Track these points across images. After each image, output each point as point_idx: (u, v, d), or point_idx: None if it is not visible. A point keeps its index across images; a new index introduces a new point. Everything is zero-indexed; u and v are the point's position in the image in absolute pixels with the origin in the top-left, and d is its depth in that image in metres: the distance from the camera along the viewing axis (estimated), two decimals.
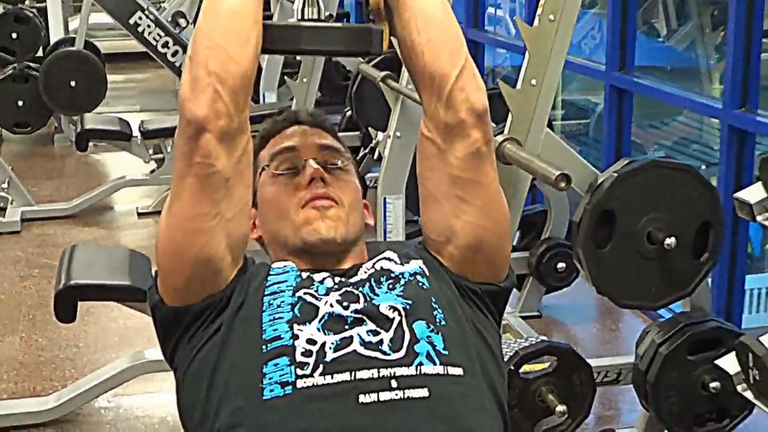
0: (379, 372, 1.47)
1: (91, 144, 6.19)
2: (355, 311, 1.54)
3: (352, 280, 1.60)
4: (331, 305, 1.54)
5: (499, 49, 6.72)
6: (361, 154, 5.48)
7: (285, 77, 6.20)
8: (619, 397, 3.66)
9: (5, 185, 5.83)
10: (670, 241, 2.90)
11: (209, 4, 1.51)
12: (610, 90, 4.51)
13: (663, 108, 6.13)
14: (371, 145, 5.31)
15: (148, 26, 6.22)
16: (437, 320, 1.56)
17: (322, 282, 1.58)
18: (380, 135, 4.15)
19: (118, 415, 3.54)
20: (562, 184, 2.78)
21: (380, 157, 4.04)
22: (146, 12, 6.25)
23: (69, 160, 7.27)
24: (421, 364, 1.49)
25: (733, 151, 3.66)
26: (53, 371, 3.90)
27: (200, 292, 1.55)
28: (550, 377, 3.05)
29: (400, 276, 1.61)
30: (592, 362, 3.16)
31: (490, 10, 7.39)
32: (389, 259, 1.64)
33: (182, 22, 6.57)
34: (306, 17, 1.59)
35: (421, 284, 1.60)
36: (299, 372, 1.47)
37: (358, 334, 1.51)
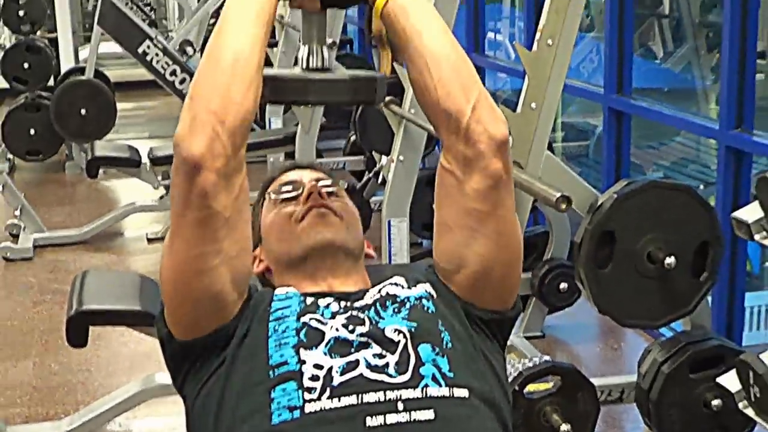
0: (385, 395, 1.48)
1: (101, 171, 6.23)
2: (361, 335, 1.55)
3: (357, 305, 1.62)
4: (337, 329, 1.55)
5: (500, 73, 6.76)
6: (365, 178, 5.52)
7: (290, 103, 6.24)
8: (622, 415, 3.66)
9: (18, 212, 5.86)
10: (670, 260, 2.93)
11: (213, 47, 1.51)
12: (609, 112, 4.54)
13: (661, 129, 6.16)
14: (375, 169, 5.35)
15: (157, 55, 6.29)
16: (443, 343, 1.57)
17: (327, 306, 1.60)
18: (384, 159, 4.19)
19: None
20: (563, 206, 2.81)
21: (384, 181, 4.08)
22: (154, 41, 6.32)
23: (80, 187, 7.31)
24: (426, 386, 1.50)
25: (731, 170, 3.67)
26: (65, 395, 3.94)
27: (207, 326, 1.56)
28: (554, 397, 3.06)
29: (406, 300, 1.62)
30: (596, 381, 3.17)
31: (490, 35, 7.45)
32: (396, 284, 1.66)
33: (189, 50, 6.64)
34: (311, 66, 1.60)
35: (426, 308, 1.62)
36: (307, 396, 1.48)
37: (365, 358, 1.52)
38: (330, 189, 1.77)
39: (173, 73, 6.36)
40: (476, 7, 6.19)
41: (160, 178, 6.17)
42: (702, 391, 3.00)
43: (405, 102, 3.89)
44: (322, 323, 1.56)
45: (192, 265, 1.51)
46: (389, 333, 1.56)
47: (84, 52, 8.62)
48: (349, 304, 1.62)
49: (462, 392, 1.53)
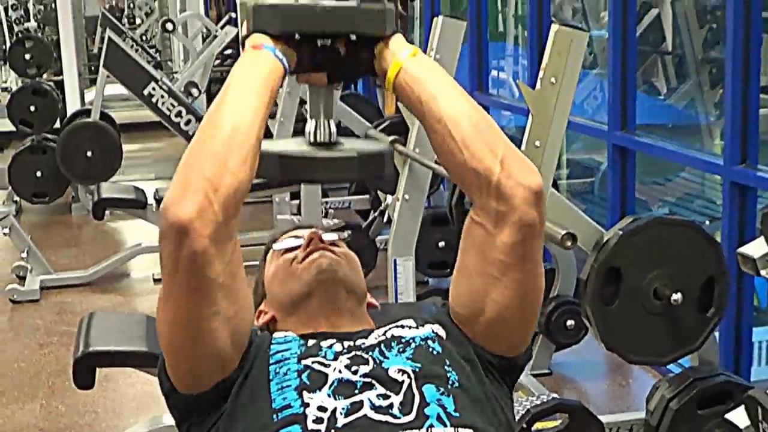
0: None
1: (107, 212, 6.25)
2: (364, 375, 1.55)
3: (361, 344, 1.63)
4: (340, 371, 1.55)
5: (504, 111, 6.79)
6: (370, 217, 5.54)
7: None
8: None
9: (24, 254, 5.88)
10: (677, 296, 2.93)
11: (214, 114, 1.49)
12: (613, 149, 4.55)
13: (666, 165, 6.17)
14: (381, 208, 5.37)
15: (162, 96, 6.33)
16: (450, 382, 1.57)
17: (330, 347, 1.61)
18: (389, 198, 4.21)
19: None
20: (568, 243, 2.83)
21: (390, 220, 4.09)
22: (160, 83, 6.36)
23: (86, 229, 7.33)
24: (431, 426, 1.50)
25: (736, 206, 3.67)
26: None
27: (209, 381, 1.56)
28: None
29: (411, 340, 1.63)
30: (604, 419, 3.17)
31: (494, 73, 7.49)
32: (402, 327, 1.67)
33: (195, 91, 6.68)
34: (318, 140, 1.60)
35: (432, 348, 1.62)
36: None
37: (369, 399, 1.52)
38: (331, 238, 1.79)
39: (178, 114, 6.40)
40: (479, 46, 6.23)
41: None
42: (710, 428, 2.99)
43: (410, 141, 3.91)
44: (325, 365, 1.57)
45: (188, 329, 1.50)
46: (393, 373, 1.56)
47: (90, 95, 8.68)
48: (352, 343, 1.62)
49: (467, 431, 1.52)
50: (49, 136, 7.21)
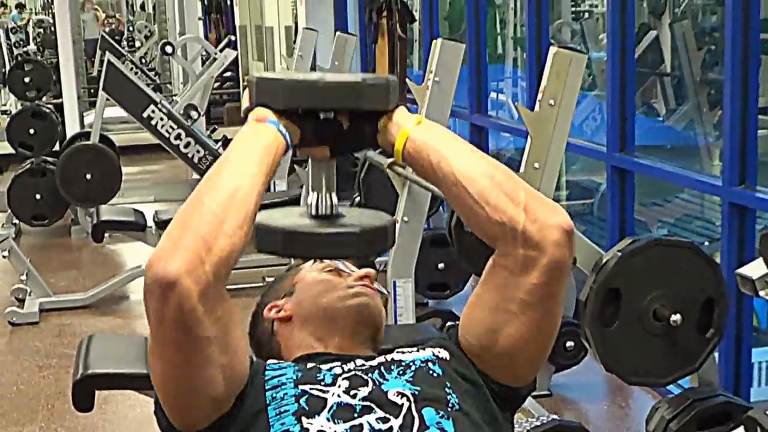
0: None
1: (106, 235, 6.24)
2: (363, 398, 1.55)
3: (361, 365, 1.63)
4: (339, 395, 1.55)
5: (503, 132, 6.81)
6: None
7: (294, 165, 6.28)
8: None
9: (24, 277, 5.87)
10: (676, 317, 2.94)
11: (214, 176, 1.47)
12: (612, 170, 4.56)
13: (665, 186, 6.18)
14: None
15: (161, 119, 6.35)
16: (450, 404, 1.57)
17: (329, 370, 1.61)
18: None
19: None
20: None
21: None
22: (159, 105, 6.39)
23: (85, 251, 7.32)
24: None
25: (734, 227, 3.67)
26: None
27: (207, 420, 1.54)
28: None
29: (411, 363, 1.63)
30: None
31: (493, 95, 7.52)
32: (403, 352, 1.67)
33: (194, 114, 6.70)
34: (319, 213, 1.58)
35: (432, 371, 1.62)
36: None
37: (368, 422, 1.52)
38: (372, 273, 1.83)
39: (178, 137, 6.42)
40: (479, 67, 6.25)
41: None
42: None
43: None
44: (323, 391, 1.56)
45: (179, 381, 1.49)
46: (392, 396, 1.56)
47: (89, 117, 8.69)
48: (353, 365, 1.63)
49: None
50: (49, 158, 7.22)
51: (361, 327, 1.74)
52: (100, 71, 7.51)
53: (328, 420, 1.52)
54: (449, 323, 4.43)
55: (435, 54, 3.80)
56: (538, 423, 3.04)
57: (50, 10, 11.00)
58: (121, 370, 3.36)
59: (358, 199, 6.20)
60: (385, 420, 1.52)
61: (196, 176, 6.91)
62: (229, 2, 14.76)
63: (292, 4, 9.86)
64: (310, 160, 1.62)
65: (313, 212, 1.58)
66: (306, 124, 1.55)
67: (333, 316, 1.74)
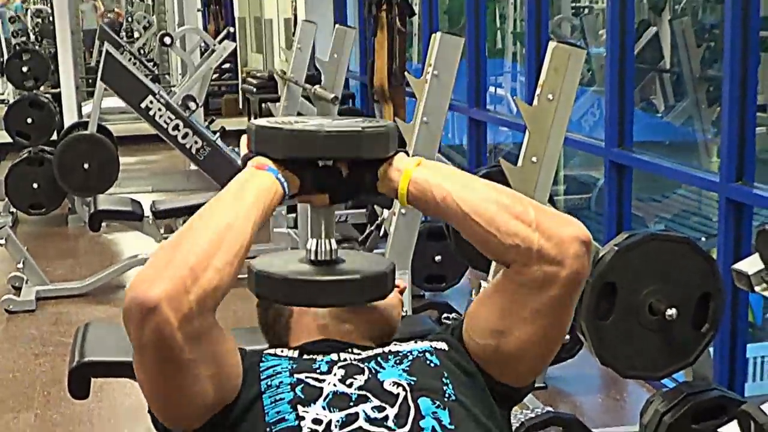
0: None
1: (103, 224, 6.25)
2: (359, 387, 1.56)
3: (358, 353, 1.64)
4: (335, 384, 1.56)
5: (501, 127, 6.82)
6: (367, 231, 5.54)
7: None
8: None
9: (20, 265, 5.88)
10: (671, 312, 2.94)
11: (208, 212, 1.47)
12: (610, 165, 4.57)
13: (663, 181, 6.19)
14: (377, 222, 5.38)
15: (159, 110, 6.35)
16: (445, 395, 1.57)
17: (325, 358, 1.62)
18: (386, 212, 4.21)
19: None
20: None
21: (386, 234, 4.10)
22: (157, 96, 6.38)
23: (82, 240, 7.33)
24: None
25: (731, 223, 3.69)
26: None
27: (200, 421, 1.54)
28: None
29: (409, 353, 1.64)
30: None
31: (492, 89, 7.52)
32: (400, 343, 1.69)
33: (192, 105, 6.69)
34: (319, 259, 1.57)
35: (429, 362, 1.63)
36: None
37: (364, 411, 1.52)
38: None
39: (176, 127, 6.41)
40: (478, 62, 6.26)
41: (162, 231, 6.19)
42: None
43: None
44: (319, 380, 1.57)
45: (166, 396, 1.49)
46: (388, 386, 1.57)
47: (87, 107, 8.69)
48: (350, 355, 1.63)
49: None
50: (46, 148, 7.22)
51: (376, 327, 1.74)
52: (98, 62, 7.51)
53: (323, 408, 1.52)
54: (445, 315, 4.45)
55: (434, 47, 3.80)
56: (533, 415, 3.05)
57: (49, 1, 10.98)
58: (117, 358, 3.35)
59: None
60: (380, 409, 1.53)
61: (193, 167, 6.91)
62: None
63: None
64: (309, 207, 1.61)
65: (313, 257, 1.57)
66: (305, 172, 1.55)
67: (355, 308, 1.73)
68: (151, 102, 6.37)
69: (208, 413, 1.53)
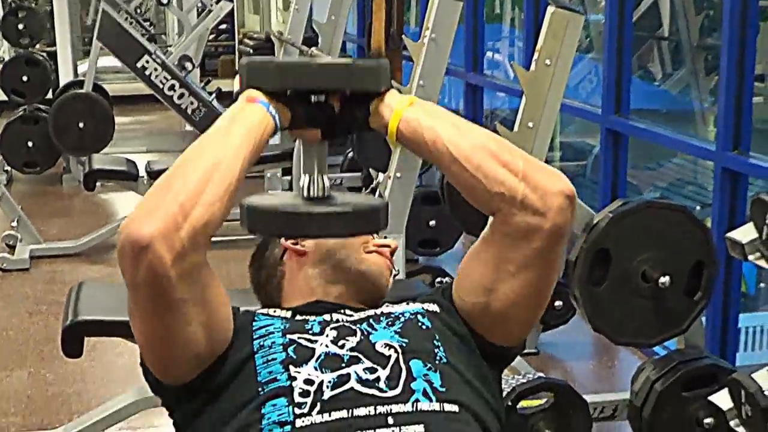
0: (375, 409, 1.50)
1: (98, 184, 6.24)
2: (351, 349, 1.56)
3: (350, 315, 1.65)
4: (327, 345, 1.56)
5: (498, 92, 6.80)
6: None
7: None
8: None
9: (15, 224, 5.87)
10: (665, 279, 2.95)
11: (198, 147, 1.48)
12: (606, 133, 4.56)
13: (659, 150, 6.19)
14: (372, 185, 5.37)
15: (155, 70, 6.32)
16: (437, 357, 1.58)
17: (317, 318, 1.63)
18: (381, 176, 4.21)
19: None
20: None
21: (381, 198, 4.10)
22: (153, 56, 6.35)
23: (77, 200, 7.33)
24: (417, 401, 1.52)
25: (727, 192, 3.69)
26: (60, 405, 3.95)
27: (191, 374, 1.55)
28: (547, 413, 3.08)
29: (401, 315, 1.65)
30: (589, 398, 3.19)
31: (489, 54, 7.49)
32: (392, 304, 1.70)
33: (188, 65, 6.66)
34: (311, 195, 1.57)
35: (420, 323, 1.63)
36: (297, 411, 1.49)
37: (355, 372, 1.53)
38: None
39: (172, 88, 6.38)
40: (475, 27, 6.23)
41: None
42: (694, 409, 3.02)
43: None
44: (311, 341, 1.58)
45: (159, 340, 1.50)
46: (379, 348, 1.58)
47: (83, 66, 8.65)
48: (342, 316, 1.64)
49: (453, 407, 1.54)
50: (42, 106, 7.19)
51: (365, 291, 1.75)
52: (94, 20, 7.46)
53: (315, 369, 1.53)
54: (439, 280, 4.46)
55: (432, 11, 3.78)
56: (525, 380, 3.06)
57: None
58: (111, 317, 3.37)
59: (350, 153, 6.21)
60: (372, 370, 1.54)
61: (189, 127, 6.89)
62: None
63: None
64: (301, 143, 1.61)
65: (305, 194, 1.58)
66: (297, 106, 1.55)
67: (344, 269, 1.75)
68: (147, 62, 6.34)
69: (199, 366, 1.54)
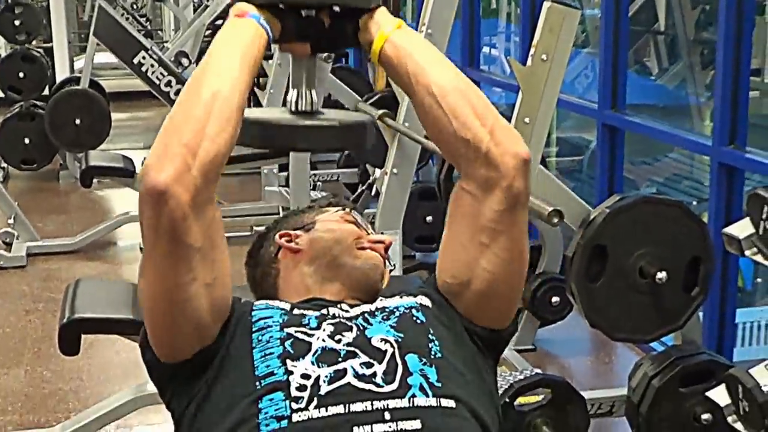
0: (372, 404, 1.49)
1: (95, 180, 6.24)
2: (348, 344, 1.56)
3: (346, 310, 1.64)
4: (323, 340, 1.56)
5: (495, 87, 6.80)
6: (358, 191, 5.54)
7: None
8: (612, 428, 3.67)
9: (11, 221, 5.87)
10: (662, 275, 2.95)
11: (194, 82, 1.50)
12: (603, 128, 4.56)
13: (655, 145, 6.19)
14: (369, 181, 5.38)
15: (152, 65, 6.31)
16: (432, 353, 1.57)
17: (314, 313, 1.62)
18: (378, 172, 4.21)
19: None
20: (555, 220, 2.83)
21: (378, 194, 4.09)
22: (150, 52, 6.34)
23: (73, 196, 7.32)
24: (414, 396, 1.51)
25: (723, 187, 3.69)
26: (57, 403, 3.95)
27: (190, 350, 1.55)
28: (545, 409, 3.08)
29: (395, 309, 1.64)
30: (586, 394, 3.19)
31: (486, 49, 7.48)
32: (386, 299, 1.69)
33: (185, 61, 6.66)
34: (300, 109, 1.60)
35: (415, 318, 1.63)
36: (294, 406, 1.48)
37: (352, 367, 1.53)
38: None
39: (168, 84, 6.38)
40: (472, 22, 6.22)
41: None
42: (692, 405, 3.03)
43: (399, 115, 3.91)
44: (308, 334, 1.57)
45: (167, 295, 1.50)
46: (376, 342, 1.57)
47: (79, 62, 8.65)
48: (338, 311, 1.64)
49: (449, 402, 1.53)
50: (38, 103, 7.19)
51: (360, 287, 1.74)
52: (91, 16, 7.45)
53: (312, 363, 1.53)
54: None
55: (428, 7, 3.77)
56: (522, 377, 3.06)
57: None
58: (108, 315, 3.37)
59: (347, 151, 6.20)
60: (368, 365, 1.53)
61: None
62: None
63: None
64: (291, 57, 1.64)
65: (293, 108, 1.61)
66: (287, 19, 1.58)
67: (339, 265, 1.75)
68: (144, 58, 6.33)
69: (199, 339, 1.54)
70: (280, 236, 1.81)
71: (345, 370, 1.52)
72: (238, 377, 1.54)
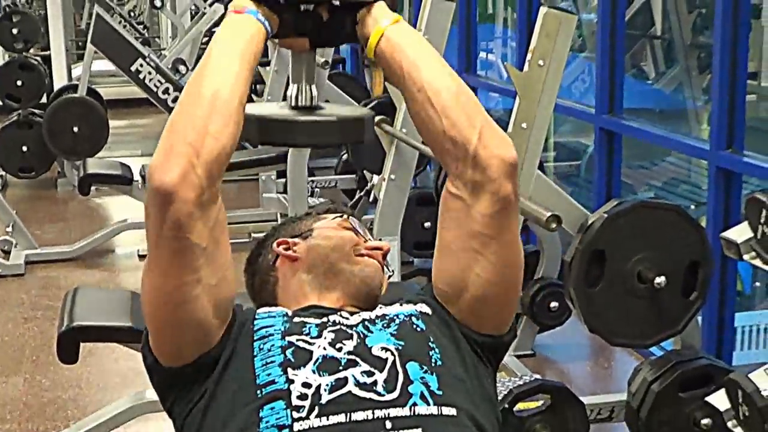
0: (373, 413, 1.49)
1: (93, 188, 6.24)
2: (348, 352, 1.56)
3: (346, 317, 1.64)
4: (324, 348, 1.56)
5: (491, 93, 6.80)
6: (356, 197, 5.54)
7: None
8: None
9: (9, 229, 5.87)
10: (660, 280, 2.95)
11: (195, 81, 1.51)
12: (600, 132, 4.56)
13: (653, 149, 6.19)
14: (366, 187, 5.37)
15: (149, 73, 6.32)
16: (432, 361, 1.57)
17: (315, 321, 1.62)
18: (375, 178, 4.20)
19: None
20: (553, 225, 2.83)
21: (375, 200, 4.09)
22: (147, 59, 6.35)
23: (72, 204, 7.32)
24: (415, 404, 1.51)
25: (721, 191, 3.68)
26: (56, 411, 3.94)
27: (191, 354, 1.56)
28: (544, 415, 3.08)
29: (395, 317, 1.64)
30: (585, 400, 3.19)
31: (482, 54, 7.49)
32: (386, 306, 1.69)
33: (182, 68, 6.66)
34: (299, 104, 1.60)
35: (415, 326, 1.63)
36: (295, 415, 1.48)
37: (353, 375, 1.53)
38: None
39: (166, 91, 6.39)
40: (468, 27, 6.23)
41: None
42: (691, 410, 3.02)
43: (397, 121, 3.91)
44: (309, 343, 1.57)
45: (171, 296, 1.50)
46: (376, 351, 1.57)
47: (77, 70, 8.64)
48: (338, 319, 1.63)
49: (450, 410, 1.53)
50: (36, 111, 7.20)
51: (359, 295, 1.74)
52: (88, 24, 7.46)
53: (313, 372, 1.53)
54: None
55: (425, 12, 3.78)
56: (521, 382, 3.05)
57: None
58: (106, 322, 3.37)
59: (345, 156, 6.21)
60: (369, 374, 1.53)
61: None
62: None
63: None
64: (290, 52, 1.64)
65: (293, 103, 1.61)
66: (285, 14, 1.58)
67: (337, 273, 1.75)
68: (141, 65, 6.35)
69: (201, 343, 1.54)
70: (278, 244, 1.81)
71: (346, 379, 1.52)
72: (240, 385, 1.54)
